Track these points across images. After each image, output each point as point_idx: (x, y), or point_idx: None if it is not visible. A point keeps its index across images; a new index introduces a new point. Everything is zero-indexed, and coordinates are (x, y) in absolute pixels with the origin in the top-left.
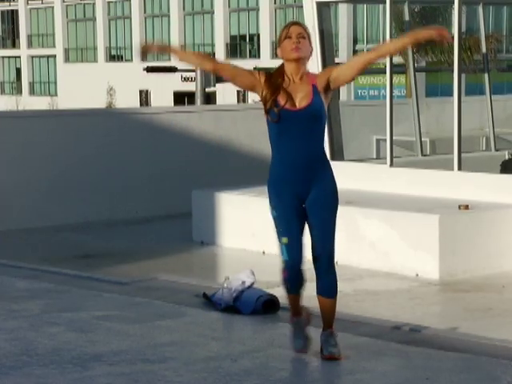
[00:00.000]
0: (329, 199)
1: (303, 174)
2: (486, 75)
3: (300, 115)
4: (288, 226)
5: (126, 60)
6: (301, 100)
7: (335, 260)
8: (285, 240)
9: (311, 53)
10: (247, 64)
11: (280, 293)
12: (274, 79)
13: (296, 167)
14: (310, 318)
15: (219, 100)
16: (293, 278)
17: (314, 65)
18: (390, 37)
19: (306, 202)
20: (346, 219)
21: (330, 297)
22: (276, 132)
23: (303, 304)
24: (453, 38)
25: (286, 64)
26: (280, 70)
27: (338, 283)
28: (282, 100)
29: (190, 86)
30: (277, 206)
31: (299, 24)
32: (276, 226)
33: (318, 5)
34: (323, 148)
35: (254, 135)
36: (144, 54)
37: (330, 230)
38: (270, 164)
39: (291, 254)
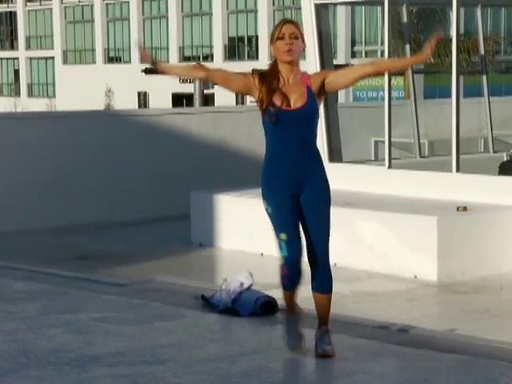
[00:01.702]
0: (322, 197)
1: (297, 172)
2: (484, 77)
3: (295, 115)
4: (285, 221)
5: (124, 62)
6: (295, 100)
7: (334, 262)
8: (283, 236)
9: (304, 49)
10: (245, 66)
11: (278, 295)
12: (269, 79)
13: (290, 165)
14: (304, 314)
15: (218, 102)
16: (292, 275)
17: (312, 66)
18: (389, 38)
19: (300, 202)
20: (344, 221)
21: (326, 292)
22: (272, 131)
23: (297, 302)
24: (450, 39)
25: (279, 65)
26: (274, 69)
27: (333, 280)
28: (277, 101)
29: (188, 88)
30: (271, 201)
31: (292, 22)
32: (272, 223)
33: (317, 6)
34: (316, 148)
35: (252, 137)
36: (142, 58)
37: (325, 227)
38: (263, 161)
39: (291, 249)
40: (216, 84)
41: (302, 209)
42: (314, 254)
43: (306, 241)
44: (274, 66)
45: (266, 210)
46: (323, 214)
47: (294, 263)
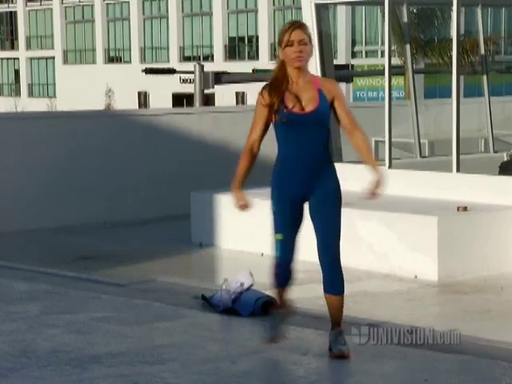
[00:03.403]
0: (332, 199)
1: (307, 175)
2: (485, 77)
3: (307, 119)
4: (284, 223)
5: (124, 62)
6: (307, 103)
7: None
8: (279, 236)
9: (311, 52)
10: (246, 66)
11: None
12: (277, 83)
13: (301, 168)
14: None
15: (218, 102)
16: (283, 275)
17: (312, 65)
18: (389, 38)
19: (309, 202)
20: (344, 221)
21: (337, 294)
22: (283, 133)
23: (289, 298)
24: (451, 39)
25: (288, 68)
26: (283, 72)
27: (344, 281)
28: (289, 103)
29: (188, 88)
30: (277, 201)
31: (300, 28)
32: (273, 221)
33: (317, 6)
34: (328, 150)
35: None
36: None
37: (335, 229)
38: (275, 159)
39: (284, 251)
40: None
41: (311, 210)
42: (324, 256)
43: (317, 242)
44: (283, 67)
45: (271, 207)
46: (334, 216)
47: (286, 264)
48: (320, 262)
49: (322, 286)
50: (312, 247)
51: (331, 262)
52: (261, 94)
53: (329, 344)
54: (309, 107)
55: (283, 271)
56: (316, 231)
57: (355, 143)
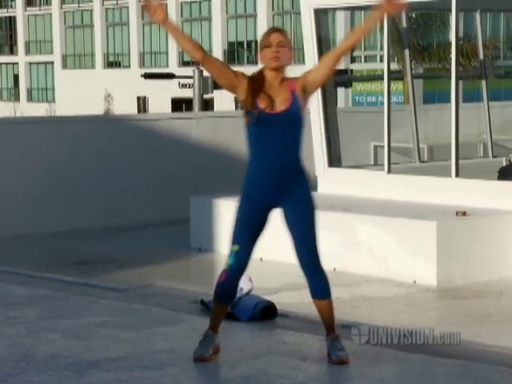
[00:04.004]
0: (307, 204)
1: (278, 179)
2: (484, 82)
3: (279, 119)
4: (245, 233)
5: (123, 66)
6: (280, 104)
7: (333, 266)
8: (235, 248)
9: (291, 59)
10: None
11: (278, 299)
12: (255, 82)
13: (271, 171)
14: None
15: (217, 106)
16: (230, 284)
17: None
18: (388, 43)
19: (284, 212)
20: (343, 225)
21: (323, 298)
22: (254, 134)
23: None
24: (450, 44)
25: (265, 71)
26: (261, 74)
27: (329, 284)
28: (261, 103)
29: (187, 93)
30: (243, 209)
31: (280, 31)
32: (234, 227)
33: (316, 11)
34: (300, 154)
35: None
36: (146, 8)
37: (312, 237)
38: (246, 166)
39: (238, 260)
40: (207, 71)
41: (288, 222)
42: (305, 262)
43: (296, 249)
44: (261, 71)
45: (235, 215)
46: (310, 222)
47: (237, 273)
48: (302, 269)
49: (310, 293)
50: None
51: (313, 268)
52: (242, 74)
53: (327, 350)
54: (281, 107)
55: (230, 279)
56: (293, 240)
57: (350, 40)
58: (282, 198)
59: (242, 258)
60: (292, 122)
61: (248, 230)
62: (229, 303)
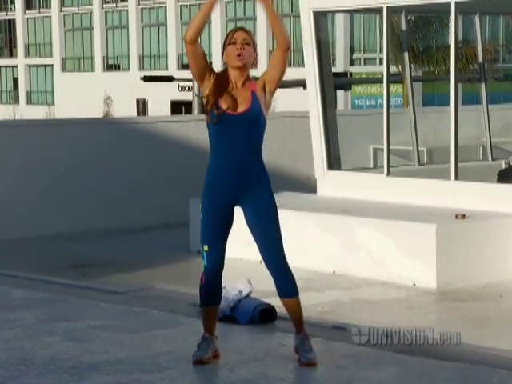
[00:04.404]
0: (269, 203)
1: (237, 179)
2: (483, 84)
3: (238, 120)
4: (211, 232)
5: (123, 69)
6: (240, 105)
7: (332, 269)
8: (206, 247)
9: (255, 59)
10: None
11: (277, 302)
12: (219, 81)
13: (230, 171)
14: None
15: None
16: (210, 284)
17: (311, 74)
18: (387, 46)
19: (245, 212)
20: (342, 228)
21: (289, 296)
22: (215, 134)
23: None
24: (449, 46)
25: (229, 69)
26: (225, 74)
27: (295, 282)
28: (223, 103)
29: (187, 96)
30: (205, 210)
31: (245, 30)
32: (201, 229)
33: (315, 14)
34: (261, 155)
35: None
36: None
37: (275, 237)
38: (207, 168)
39: (211, 260)
40: (188, 53)
41: (250, 222)
42: (270, 261)
43: (260, 249)
44: (226, 71)
45: (201, 213)
46: (272, 220)
47: (213, 272)
48: (268, 268)
49: (277, 292)
50: (308, 255)
51: (278, 268)
52: (212, 69)
53: (295, 349)
54: (241, 108)
55: (210, 280)
56: (256, 241)
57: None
58: (241, 197)
59: (214, 257)
60: (252, 123)
61: (213, 230)
62: (216, 304)
